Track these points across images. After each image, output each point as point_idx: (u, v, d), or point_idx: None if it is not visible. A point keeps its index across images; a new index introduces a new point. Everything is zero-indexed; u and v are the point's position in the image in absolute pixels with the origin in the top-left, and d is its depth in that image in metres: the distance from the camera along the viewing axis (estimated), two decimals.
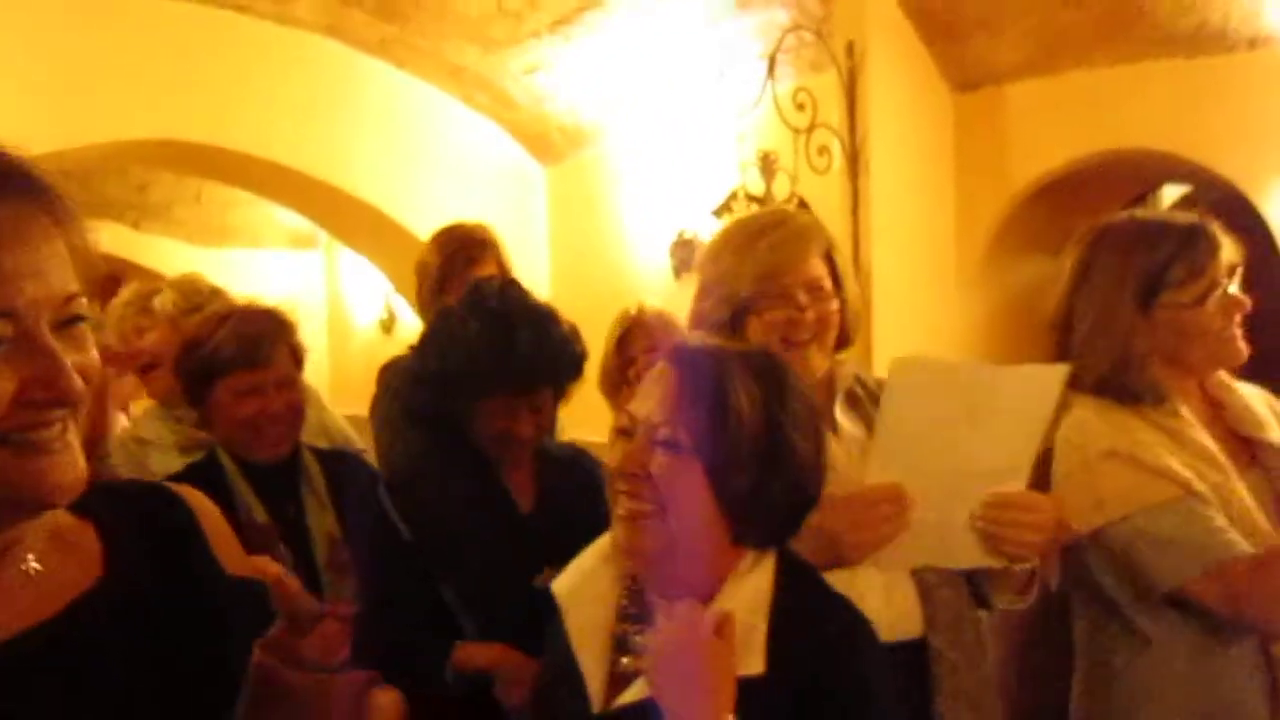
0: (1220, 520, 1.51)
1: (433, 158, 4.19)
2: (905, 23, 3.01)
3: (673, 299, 3.12)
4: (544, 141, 4.29)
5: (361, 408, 2.48)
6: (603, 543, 1.26)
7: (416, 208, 4.13)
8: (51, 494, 0.77)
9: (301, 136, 3.89)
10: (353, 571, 1.86)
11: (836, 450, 1.54)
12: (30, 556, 0.81)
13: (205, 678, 0.85)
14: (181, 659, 0.85)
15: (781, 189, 3.08)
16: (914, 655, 1.52)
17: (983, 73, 3.06)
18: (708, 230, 3.42)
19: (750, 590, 1.15)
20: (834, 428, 1.61)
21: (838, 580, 1.31)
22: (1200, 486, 1.53)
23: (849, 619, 1.19)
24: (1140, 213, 1.83)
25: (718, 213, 3.21)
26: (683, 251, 3.70)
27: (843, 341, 1.66)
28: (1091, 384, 1.62)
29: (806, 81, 3.01)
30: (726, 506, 1.15)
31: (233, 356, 1.84)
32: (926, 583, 1.54)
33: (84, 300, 0.79)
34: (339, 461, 2.03)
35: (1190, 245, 1.60)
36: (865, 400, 1.67)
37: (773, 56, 2.91)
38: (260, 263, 5.96)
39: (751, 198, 3.04)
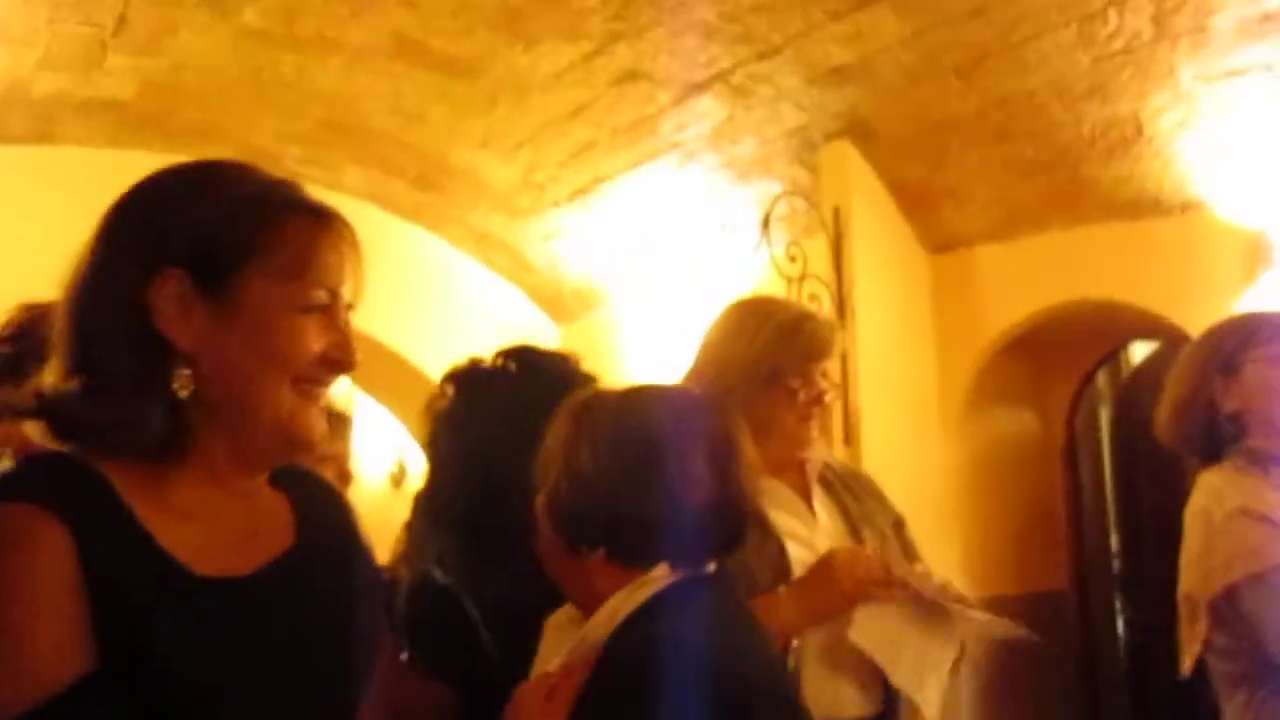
0: None
1: (455, 313, 4.56)
2: (884, 192, 3.43)
3: None
4: (558, 302, 4.67)
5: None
6: None
7: (438, 359, 4.46)
8: (314, 441, 0.92)
9: None
10: None
11: (814, 538, 1.71)
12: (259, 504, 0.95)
13: (367, 638, 0.99)
14: (352, 619, 0.98)
15: None
16: None
17: (954, 236, 3.46)
18: None
19: (606, 613, 1.15)
20: (811, 517, 1.76)
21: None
22: None
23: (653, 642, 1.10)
24: None
25: None
26: None
27: (847, 440, 1.86)
28: (1199, 451, 1.71)
29: (798, 240, 3.39)
30: (554, 524, 1.19)
31: None
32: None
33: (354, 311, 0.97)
34: None
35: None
36: (837, 484, 1.83)
37: (768, 214, 3.30)
38: None
39: None
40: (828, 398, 1.79)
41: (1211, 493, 1.69)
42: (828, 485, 1.83)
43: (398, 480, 5.75)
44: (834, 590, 1.59)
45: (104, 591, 0.77)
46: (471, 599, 1.45)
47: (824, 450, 1.88)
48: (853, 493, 1.84)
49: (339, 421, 2.12)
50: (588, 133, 3.68)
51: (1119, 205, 3.04)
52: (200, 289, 0.87)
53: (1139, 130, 2.84)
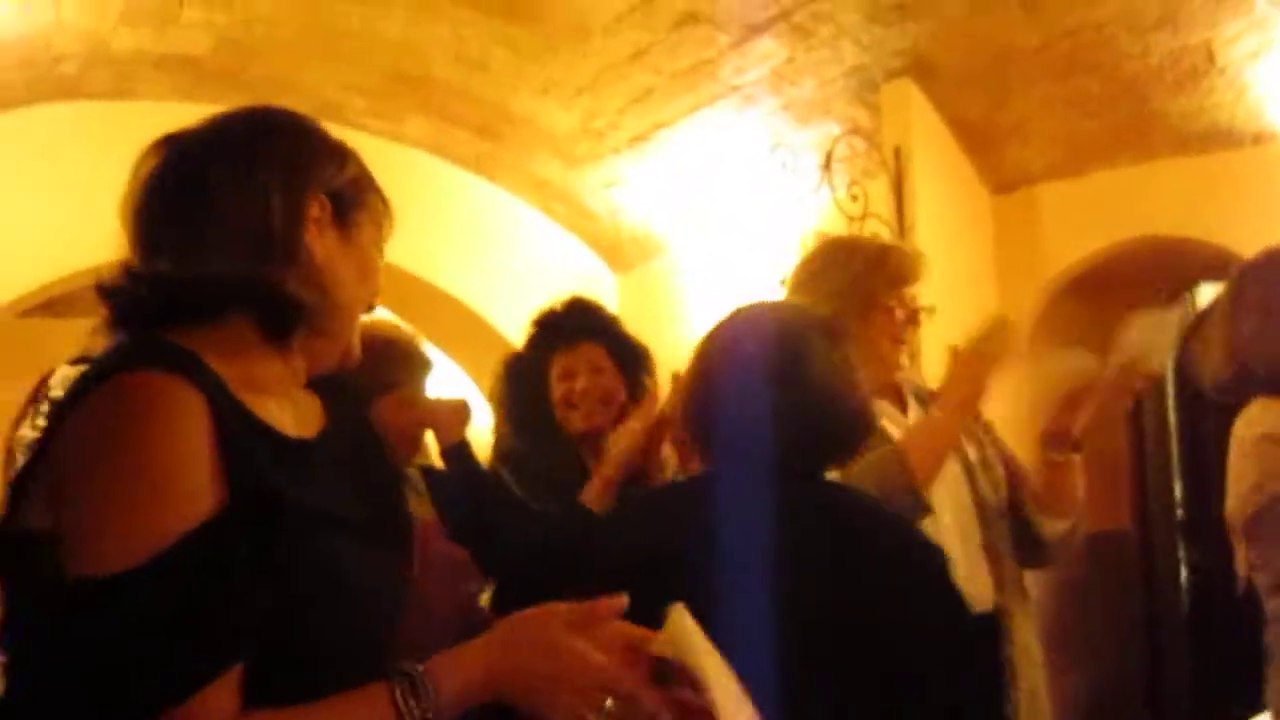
0: None
1: (514, 262, 4.63)
2: (946, 131, 3.41)
3: None
4: (617, 250, 4.71)
5: None
6: None
7: (500, 306, 4.54)
8: (357, 353, 1.09)
9: (400, 237, 4.33)
10: None
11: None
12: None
13: (401, 511, 1.15)
14: (389, 494, 1.15)
15: None
16: (988, 621, 1.74)
17: (1016, 175, 3.43)
18: None
19: None
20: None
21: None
22: None
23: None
24: None
25: (783, 283, 3.54)
26: None
27: (911, 355, 1.96)
28: (1262, 386, 1.74)
29: (859, 181, 3.39)
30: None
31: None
32: (997, 550, 1.77)
33: None
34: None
35: None
36: (930, 403, 1.93)
37: (829, 155, 3.30)
38: None
39: None
40: (918, 318, 1.89)
41: (1246, 420, 1.75)
42: (922, 402, 1.94)
43: None
44: (969, 373, 1.71)
45: (228, 441, 0.87)
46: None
47: (915, 374, 1.96)
48: None
49: (420, 363, 2.15)
50: (647, 78, 3.70)
51: (1188, 138, 3.00)
52: (335, 218, 1.04)
53: (1210, 60, 2.79)
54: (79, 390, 0.89)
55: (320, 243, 1.01)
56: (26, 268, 3.87)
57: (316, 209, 1.02)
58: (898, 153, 3.37)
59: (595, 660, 0.90)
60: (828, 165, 3.30)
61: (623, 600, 0.94)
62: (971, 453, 1.85)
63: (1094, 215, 3.32)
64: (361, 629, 0.96)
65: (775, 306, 1.46)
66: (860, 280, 1.85)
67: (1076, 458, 1.78)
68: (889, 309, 1.85)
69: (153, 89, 3.86)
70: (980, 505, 1.79)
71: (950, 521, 1.74)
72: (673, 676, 0.93)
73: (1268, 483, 1.67)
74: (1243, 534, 1.72)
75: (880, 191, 3.38)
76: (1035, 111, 3.21)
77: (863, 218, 3.26)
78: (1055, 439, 1.77)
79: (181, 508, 0.83)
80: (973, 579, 1.73)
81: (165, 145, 1.03)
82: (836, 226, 3.35)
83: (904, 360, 1.91)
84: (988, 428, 1.96)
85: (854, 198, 3.26)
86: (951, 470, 1.78)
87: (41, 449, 0.89)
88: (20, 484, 0.89)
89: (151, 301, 0.96)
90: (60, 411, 0.89)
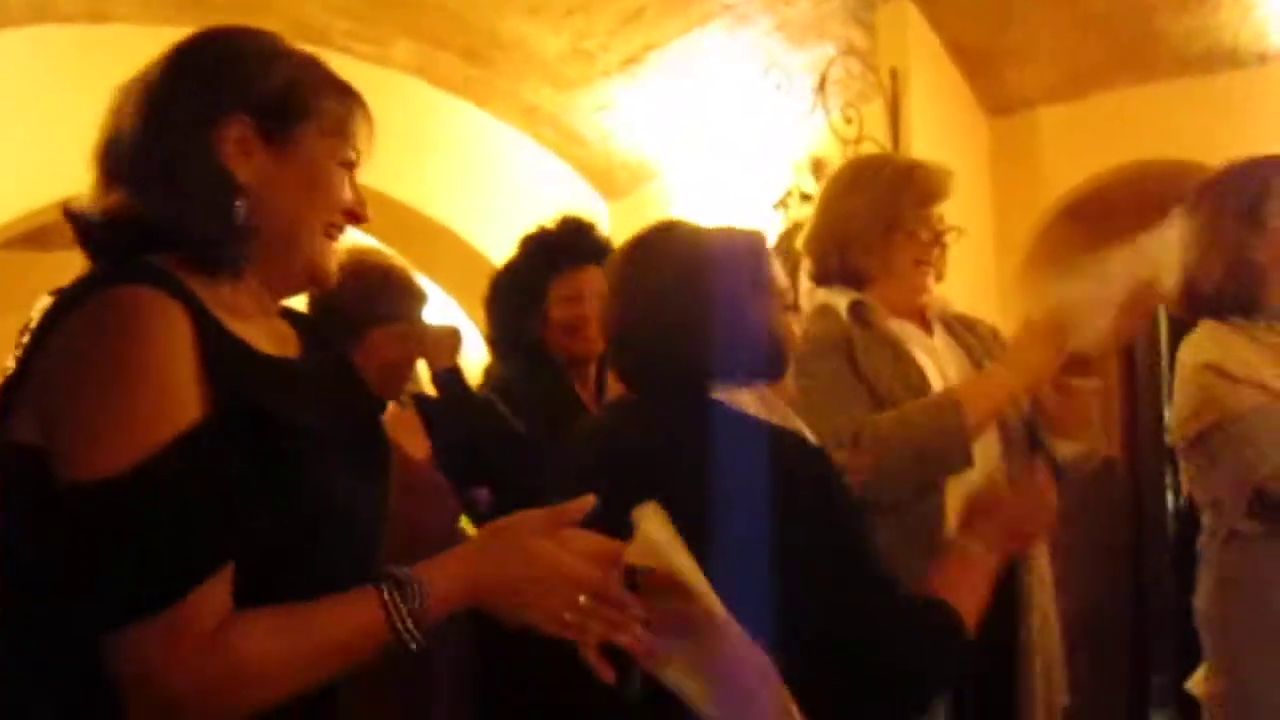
0: None
1: (504, 189, 4.55)
2: (943, 52, 3.33)
3: None
4: (608, 176, 4.64)
5: None
6: None
7: (489, 234, 4.48)
8: (329, 277, 1.07)
9: (387, 164, 4.25)
10: None
11: (946, 369, 1.78)
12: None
13: (372, 423, 1.15)
14: (370, 419, 1.16)
15: None
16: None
17: (1015, 98, 3.36)
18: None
19: None
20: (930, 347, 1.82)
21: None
22: None
23: None
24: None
25: (776, 207, 3.51)
26: None
27: (939, 276, 1.87)
28: (1209, 306, 1.81)
29: (854, 104, 3.32)
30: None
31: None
32: (1017, 474, 1.73)
33: None
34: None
35: None
36: (958, 326, 1.90)
37: (823, 77, 3.23)
38: None
39: (805, 197, 3.33)
40: (945, 238, 1.81)
41: (1190, 344, 1.84)
42: (949, 327, 1.89)
43: None
44: (1047, 347, 1.65)
45: (212, 356, 0.90)
46: None
47: (942, 298, 1.91)
48: (975, 333, 1.90)
49: (416, 296, 2.10)
50: None
51: (1192, 59, 2.93)
52: (262, 135, 0.99)
53: None
54: (61, 308, 0.90)
55: (246, 165, 0.98)
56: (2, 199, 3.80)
57: (236, 130, 0.98)
58: (894, 75, 3.30)
59: (566, 561, 0.94)
60: (822, 87, 3.23)
61: (589, 500, 0.97)
62: None
63: (1094, 139, 3.26)
64: (351, 550, 0.97)
65: (669, 227, 1.40)
66: (882, 201, 1.78)
67: (1092, 381, 1.76)
68: (911, 231, 1.78)
69: (127, 10, 3.75)
70: (1002, 426, 1.75)
71: (978, 456, 1.70)
72: (647, 585, 0.96)
73: (1204, 410, 1.77)
74: (1181, 455, 1.87)
75: (876, 115, 3.31)
76: (1035, 32, 3.14)
77: (858, 141, 3.20)
78: (1069, 364, 1.74)
79: (170, 414, 0.85)
80: None
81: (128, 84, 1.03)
82: (831, 151, 3.29)
83: (929, 283, 1.83)
84: (1001, 342, 1.91)
85: (848, 120, 3.20)
86: None
87: (24, 366, 0.91)
88: (4, 400, 0.91)
89: (110, 234, 0.97)
90: (41, 330, 0.91)
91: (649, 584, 0.96)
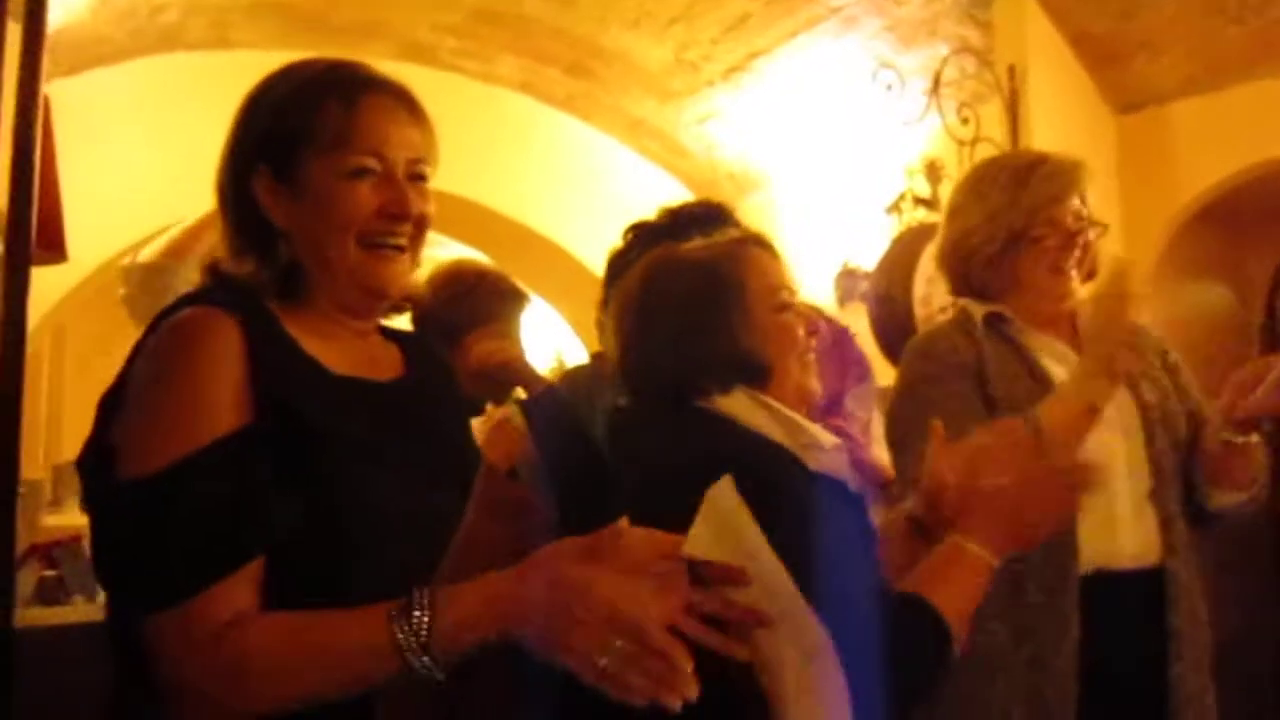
0: None
1: (610, 203, 4.53)
2: (1065, 46, 3.18)
3: None
4: (714, 188, 4.58)
5: None
6: None
7: (595, 248, 4.47)
8: (385, 286, 1.07)
9: (492, 178, 4.31)
10: None
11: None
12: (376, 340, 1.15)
13: (463, 455, 1.14)
14: (452, 438, 1.17)
15: (947, 195, 3.24)
16: (1153, 580, 1.59)
17: (1144, 93, 3.18)
18: (870, 261, 3.61)
19: None
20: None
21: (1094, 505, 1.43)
22: None
23: None
24: None
25: (889, 210, 3.40)
26: (847, 281, 3.89)
27: (1089, 275, 1.70)
28: None
29: (970, 104, 3.19)
30: None
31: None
32: (1169, 510, 1.60)
33: (428, 169, 1.11)
34: None
35: None
36: None
37: (937, 76, 3.11)
38: None
39: (919, 200, 3.21)
40: (1084, 238, 1.65)
41: None
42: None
43: (555, 372, 5.87)
44: (1106, 327, 1.53)
45: (264, 369, 0.96)
46: None
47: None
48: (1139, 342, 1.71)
49: (514, 296, 2.08)
50: (742, 4, 3.54)
51: None
52: (279, 178, 1.05)
53: None
54: (150, 328, 1.01)
55: (278, 209, 1.05)
56: (132, 220, 3.96)
57: (262, 182, 1.05)
58: (1012, 72, 3.16)
59: (604, 595, 0.84)
60: (935, 88, 3.11)
61: (623, 525, 0.89)
62: (1150, 395, 1.65)
63: (1229, 135, 3.06)
64: (394, 562, 0.96)
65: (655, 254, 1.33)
66: (999, 210, 1.65)
67: (1256, 438, 1.59)
68: (1036, 238, 1.64)
69: (246, 36, 3.88)
70: (1155, 459, 1.61)
71: (1123, 469, 1.58)
72: (709, 577, 0.87)
73: None
74: None
75: (993, 115, 3.18)
76: (1166, 21, 2.96)
77: (974, 142, 3.08)
78: (1236, 423, 1.57)
79: (210, 420, 0.93)
80: (1135, 532, 1.58)
81: None
82: (946, 153, 3.17)
83: (1071, 288, 1.66)
84: (1175, 369, 1.74)
85: (964, 120, 3.07)
86: (1128, 416, 1.61)
87: (122, 377, 1.00)
88: (105, 407, 1.00)
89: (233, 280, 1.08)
90: (136, 348, 1.01)
91: (710, 575, 0.87)
